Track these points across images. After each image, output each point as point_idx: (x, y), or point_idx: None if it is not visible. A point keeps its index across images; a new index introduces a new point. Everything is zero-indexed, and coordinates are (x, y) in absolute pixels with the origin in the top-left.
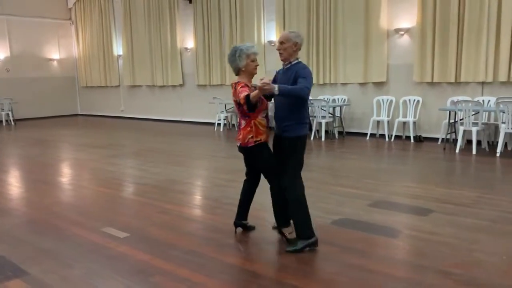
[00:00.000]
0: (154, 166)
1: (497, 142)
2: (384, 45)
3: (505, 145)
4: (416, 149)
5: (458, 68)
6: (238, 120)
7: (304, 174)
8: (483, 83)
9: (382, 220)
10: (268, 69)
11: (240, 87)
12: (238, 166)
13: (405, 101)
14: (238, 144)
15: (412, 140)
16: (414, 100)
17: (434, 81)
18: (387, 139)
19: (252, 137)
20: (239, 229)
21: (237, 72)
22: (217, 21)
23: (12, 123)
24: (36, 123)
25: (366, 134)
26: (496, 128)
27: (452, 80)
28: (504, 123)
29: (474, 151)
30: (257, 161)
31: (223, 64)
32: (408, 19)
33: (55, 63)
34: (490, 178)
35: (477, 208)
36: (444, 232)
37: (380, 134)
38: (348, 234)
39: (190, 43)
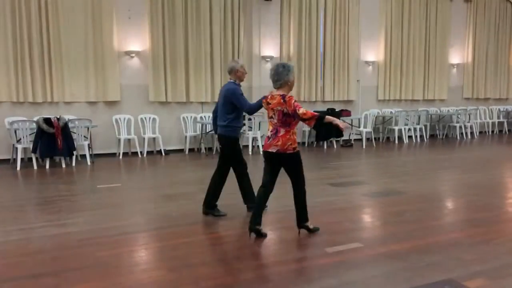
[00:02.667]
0: None
1: None
2: (116, 66)
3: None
4: (163, 161)
5: (187, 90)
6: (271, 129)
7: None
8: (202, 103)
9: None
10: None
11: (294, 101)
12: None
13: (142, 119)
14: (274, 151)
15: (163, 154)
16: (150, 117)
17: (168, 101)
18: (140, 155)
19: (291, 144)
20: (253, 235)
21: (281, 85)
22: None
23: None
24: None
25: (115, 153)
26: None
27: (184, 100)
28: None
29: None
30: (294, 166)
31: None
32: (138, 43)
33: None
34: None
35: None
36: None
37: (132, 152)
38: None
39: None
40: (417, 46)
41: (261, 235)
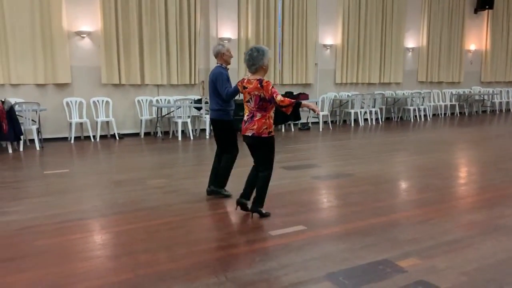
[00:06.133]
0: None
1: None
2: (66, 47)
3: (196, 131)
4: (116, 146)
5: (141, 72)
6: (247, 113)
7: None
8: (158, 85)
9: None
10: None
11: (272, 87)
12: None
13: (94, 102)
14: (250, 134)
15: (117, 138)
16: (103, 100)
17: (122, 83)
18: (92, 140)
19: (266, 128)
20: (239, 208)
21: (256, 69)
22: None
23: None
24: None
25: (66, 138)
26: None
27: (138, 83)
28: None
29: (180, 138)
30: (265, 149)
31: None
32: (89, 23)
33: None
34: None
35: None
36: None
37: (85, 136)
38: None
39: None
40: (374, 30)
41: (246, 209)
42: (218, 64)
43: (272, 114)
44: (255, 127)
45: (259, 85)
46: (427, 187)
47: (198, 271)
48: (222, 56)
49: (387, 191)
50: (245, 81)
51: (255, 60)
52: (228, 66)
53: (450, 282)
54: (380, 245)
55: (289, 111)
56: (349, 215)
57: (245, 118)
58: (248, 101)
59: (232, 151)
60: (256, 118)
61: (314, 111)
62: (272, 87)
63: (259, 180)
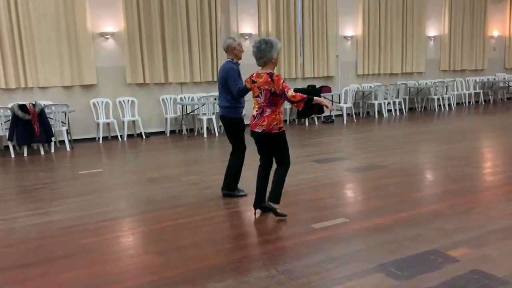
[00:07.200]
0: None
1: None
2: (91, 48)
3: (221, 128)
4: (143, 144)
5: (165, 71)
6: (256, 108)
7: None
8: (182, 83)
9: None
10: None
11: (283, 81)
12: None
13: (120, 102)
14: (260, 131)
15: (144, 137)
16: (129, 100)
17: (146, 82)
18: (120, 139)
19: (276, 124)
20: (259, 211)
21: (265, 63)
22: None
23: None
24: None
25: (94, 138)
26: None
27: (162, 81)
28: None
29: (205, 135)
30: (279, 145)
31: None
32: (112, 24)
33: None
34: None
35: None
36: None
37: (112, 136)
38: None
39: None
40: (395, 19)
41: (269, 211)
42: (229, 59)
43: (282, 109)
44: (264, 123)
45: (269, 79)
46: (461, 177)
47: (248, 265)
48: (233, 51)
49: (423, 182)
50: (254, 75)
51: (263, 52)
52: (240, 61)
53: (507, 270)
54: (427, 235)
55: (300, 106)
56: (389, 206)
57: (254, 113)
58: (257, 96)
59: (239, 151)
60: (266, 114)
61: (326, 107)
62: (283, 81)
63: (276, 175)
